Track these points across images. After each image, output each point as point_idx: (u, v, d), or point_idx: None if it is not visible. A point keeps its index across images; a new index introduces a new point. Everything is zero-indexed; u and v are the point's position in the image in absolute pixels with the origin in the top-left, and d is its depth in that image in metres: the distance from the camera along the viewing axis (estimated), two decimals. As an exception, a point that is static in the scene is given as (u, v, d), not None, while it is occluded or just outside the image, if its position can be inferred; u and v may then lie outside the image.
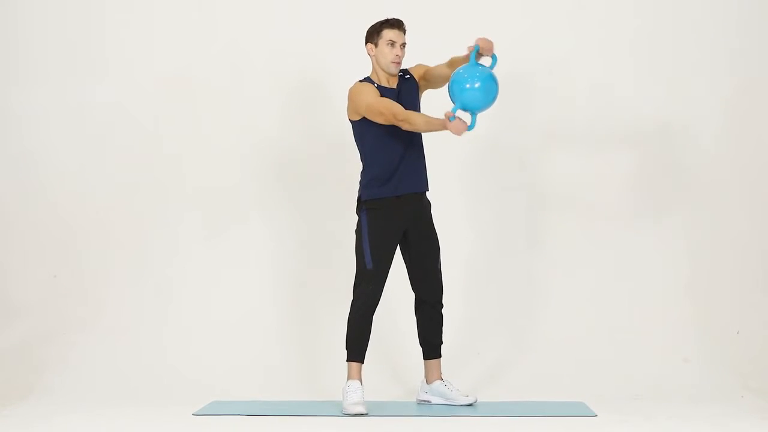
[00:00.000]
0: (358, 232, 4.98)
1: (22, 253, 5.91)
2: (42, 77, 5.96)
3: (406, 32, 4.99)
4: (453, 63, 4.97)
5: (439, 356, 5.09)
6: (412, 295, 5.08)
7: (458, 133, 4.76)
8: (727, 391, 5.36)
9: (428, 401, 5.11)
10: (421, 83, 5.08)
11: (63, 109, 5.95)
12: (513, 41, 5.84)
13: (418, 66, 5.09)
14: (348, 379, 4.91)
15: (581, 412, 4.90)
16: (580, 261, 5.86)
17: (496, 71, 4.80)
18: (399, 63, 4.97)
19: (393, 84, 5.00)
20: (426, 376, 5.11)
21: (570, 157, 5.90)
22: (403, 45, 4.98)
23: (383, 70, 4.98)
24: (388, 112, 4.86)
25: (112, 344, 5.72)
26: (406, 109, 4.90)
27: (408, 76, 5.06)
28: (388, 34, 4.95)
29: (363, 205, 4.98)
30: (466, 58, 4.85)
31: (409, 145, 4.97)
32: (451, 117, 4.72)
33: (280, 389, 5.37)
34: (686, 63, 5.91)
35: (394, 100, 4.93)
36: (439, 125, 4.78)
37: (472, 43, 4.80)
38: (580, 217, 5.88)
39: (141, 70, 5.95)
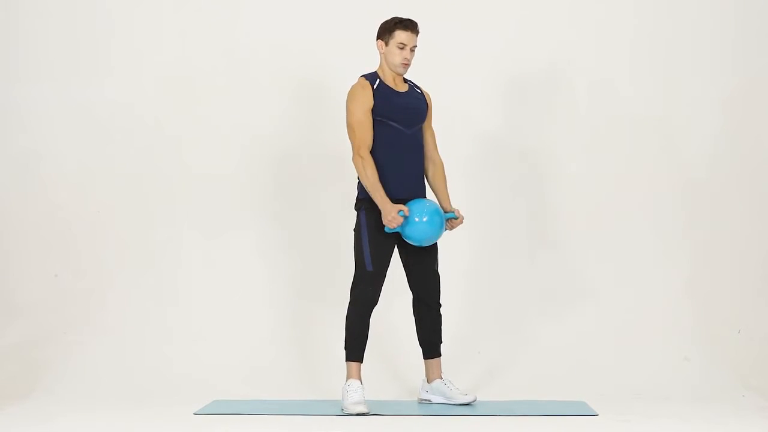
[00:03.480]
0: (357, 231, 4.96)
1: (23, 253, 5.90)
2: (44, 75, 5.95)
3: (419, 34, 4.94)
4: (434, 184, 5.07)
5: (439, 355, 5.09)
6: (411, 295, 5.08)
7: (388, 224, 4.81)
8: (727, 390, 5.37)
9: (429, 400, 5.11)
10: None
11: (65, 107, 5.94)
12: (513, 41, 5.86)
13: (430, 108, 5.06)
14: (348, 379, 4.91)
15: (582, 411, 4.90)
16: (581, 260, 5.86)
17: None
18: (408, 65, 4.93)
19: (399, 85, 4.96)
20: (426, 376, 5.11)
21: (570, 157, 5.91)
22: (414, 48, 4.93)
23: (391, 69, 4.95)
24: (358, 140, 4.85)
25: (113, 344, 5.71)
26: (410, 118, 4.90)
27: (421, 94, 5.02)
28: (400, 35, 4.90)
29: (362, 203, 4.97)
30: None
31: (407, 148, 4.94)
32: (400, 212, 4.78)
33: (280, 389, 5.36)
34: (685, 63, 5.92)
35: (394, 102, 4.90)
36: (380, 200, 4.82)
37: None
38: (580, 216, 5.88)
39: (143, 70, 5.94)
